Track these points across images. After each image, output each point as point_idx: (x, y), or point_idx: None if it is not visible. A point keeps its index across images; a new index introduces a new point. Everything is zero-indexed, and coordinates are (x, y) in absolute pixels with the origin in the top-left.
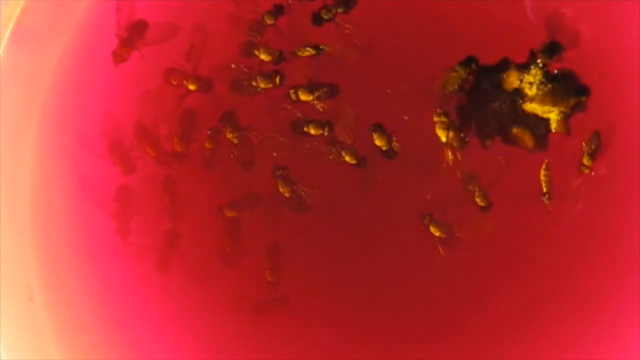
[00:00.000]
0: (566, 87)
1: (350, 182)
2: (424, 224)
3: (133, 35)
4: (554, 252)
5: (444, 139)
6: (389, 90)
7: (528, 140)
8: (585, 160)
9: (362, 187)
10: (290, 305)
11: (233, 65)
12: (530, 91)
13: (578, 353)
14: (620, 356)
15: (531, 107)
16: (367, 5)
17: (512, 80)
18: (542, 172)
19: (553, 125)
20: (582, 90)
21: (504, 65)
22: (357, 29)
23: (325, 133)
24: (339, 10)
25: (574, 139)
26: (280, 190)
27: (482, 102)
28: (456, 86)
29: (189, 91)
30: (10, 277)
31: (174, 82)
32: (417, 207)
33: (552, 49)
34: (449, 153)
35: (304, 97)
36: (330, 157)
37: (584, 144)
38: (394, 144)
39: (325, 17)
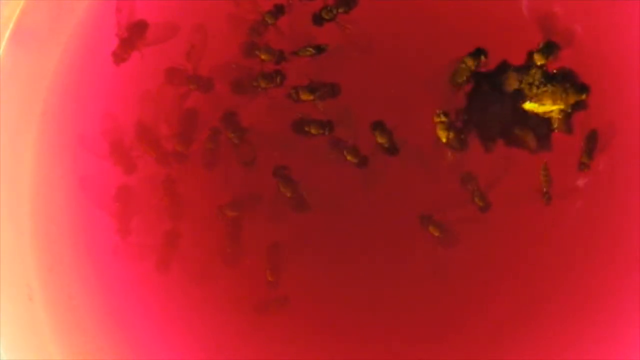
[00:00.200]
0: (565, 86)
1: (351, 182)
2: (424, 224)
3: (133, 35)
4: (554, 252)
5: (444, 140)
6: (392, 90)
7: (531, 141)
8: (584, 158)
9: (363, 187)
10: (290, 305)
11: (234, 65)
12: (531, 92)
13: (578, 353)
14: (620, 356)
15: (532, 107)
16: (368, 5)
17: (512, 81)
18: (542, 172)
19: (554, 125)
20: (582, 88)
21: (503, 68)
22: (358, 29)
23: (326, 133)
24: (339, 10)
25: (577, 139)
26: (281, 190)
27: (483, 105)
28: (465, 78)
29: (190, 91)
30: (10, 277)
31: (175, 82)
32: (417, 207)
33: (549, 49)
34: (449, 153)
35: (304, 97)
36: (331, 157)
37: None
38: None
39: (326, 17)
